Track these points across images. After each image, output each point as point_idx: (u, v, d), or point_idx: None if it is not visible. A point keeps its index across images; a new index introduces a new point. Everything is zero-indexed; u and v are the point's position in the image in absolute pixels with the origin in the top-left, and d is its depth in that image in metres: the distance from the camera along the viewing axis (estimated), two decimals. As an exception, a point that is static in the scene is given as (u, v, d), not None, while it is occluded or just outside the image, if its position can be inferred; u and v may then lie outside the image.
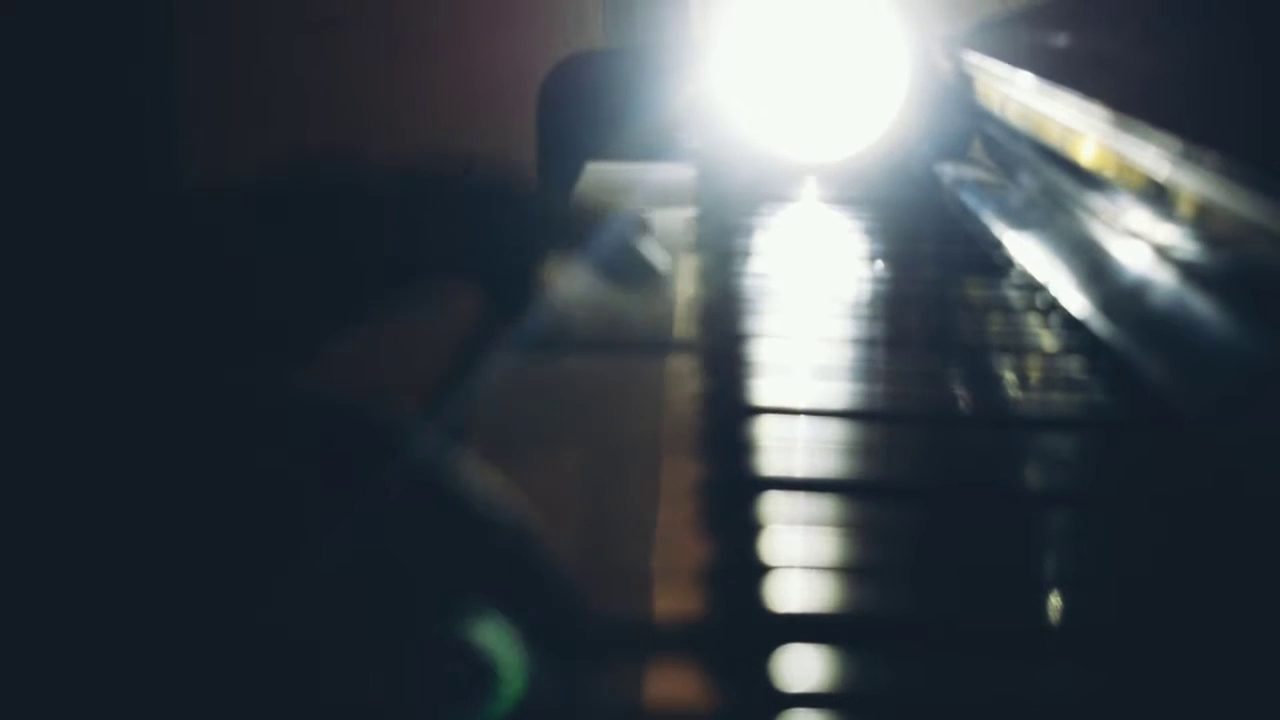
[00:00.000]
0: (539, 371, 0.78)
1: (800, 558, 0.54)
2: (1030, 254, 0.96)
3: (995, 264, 1.00)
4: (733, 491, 0.62)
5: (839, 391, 0.72)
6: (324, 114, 1.95)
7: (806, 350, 0.79)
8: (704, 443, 0.70)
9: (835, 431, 0.67)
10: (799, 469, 0.62)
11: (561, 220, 0.85)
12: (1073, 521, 0.59)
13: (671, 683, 0.49)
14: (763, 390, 0.72)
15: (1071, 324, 0.84)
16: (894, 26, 1.26)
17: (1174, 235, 0.75)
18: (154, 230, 0.84)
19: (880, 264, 1.01)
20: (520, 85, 1.56)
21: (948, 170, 1.26)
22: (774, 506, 0.58)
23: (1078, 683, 0.47)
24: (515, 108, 1.59)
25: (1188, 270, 0.74)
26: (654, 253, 0.89)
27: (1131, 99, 0.78)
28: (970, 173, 1.24)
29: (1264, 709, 0.46)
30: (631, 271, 0.88)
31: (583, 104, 1.49)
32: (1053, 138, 0.94)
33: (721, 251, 1.02)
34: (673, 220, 1.13)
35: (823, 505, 0.59)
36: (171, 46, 1.71)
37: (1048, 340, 0.83)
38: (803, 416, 0.68)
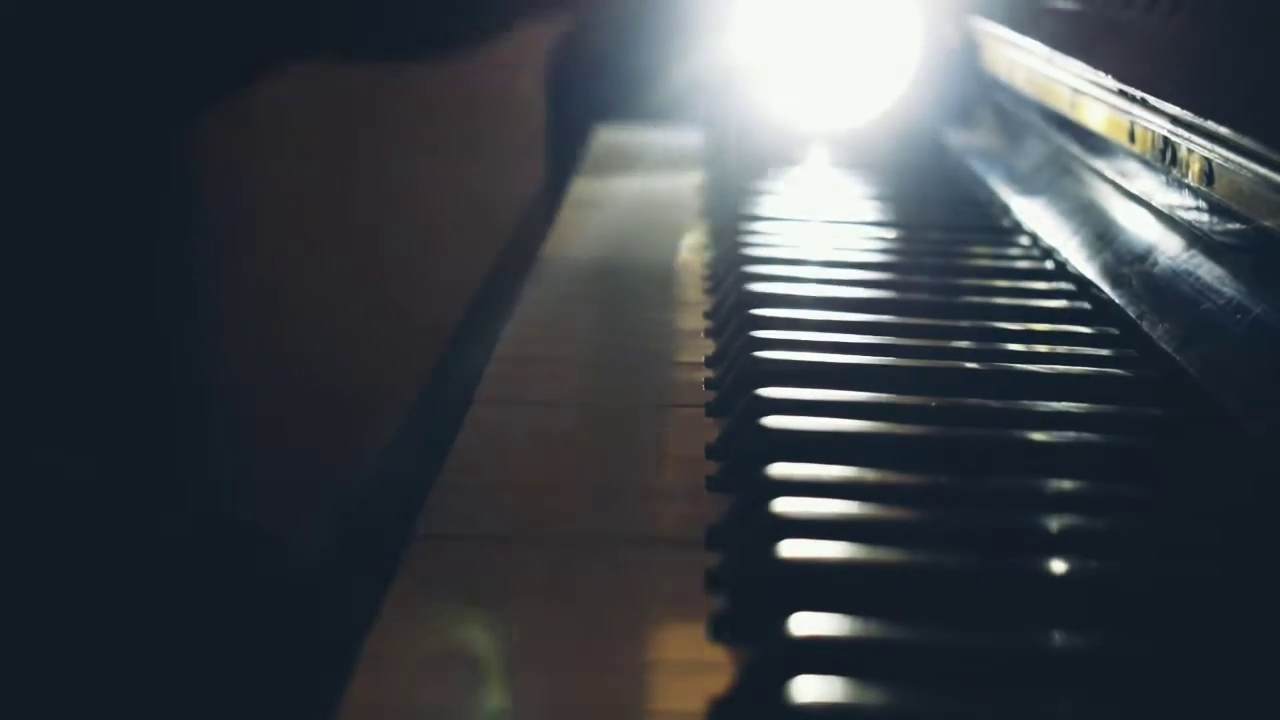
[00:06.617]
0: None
1: (807, 517, 0.55)
2: (1037, 218, 0.97)
3: (1002, 227, 1.01)
4: (740, 451, 0.63)
5: (847, 353, 0.73)
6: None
7: (814, 312, 0.79)
8: (712, 403, 0.71)
9: (843, 393, 0.67)
10: (806, 427, 0.63)
11: None
12: (1077, 482, 0.60)
13: (679, 639, 0.50)
14: (771, 350, 0.72)
15: (1078, 286, 0.84)
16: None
17: (1179, 199, 0.75)
18: None
19: (889, 228, 1.02)
20: (531, 46, 1.56)
21: (955, 136, 1.27)
22: (781, 467, 0.59)
23: (1083, 644, 0.48)
24: (526, 69, 1.59)
25: (1193, 234, 0.74)
26: None
27: (1139, 65, 0.79)
28: (977, 139, 1.24)
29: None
30: None
31: (594, 67, 1.49)
32: (1060, 103, 0.94)
33: (731, 214, 1.02)
34: (683, 183, 1.14)
35: (830, 466, 0.59)
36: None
37: (1054, 302, 0.83)
38: (811, 378, 0.69)
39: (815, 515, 0.55)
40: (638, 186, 1.14)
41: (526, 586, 0.54)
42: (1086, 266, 0.84)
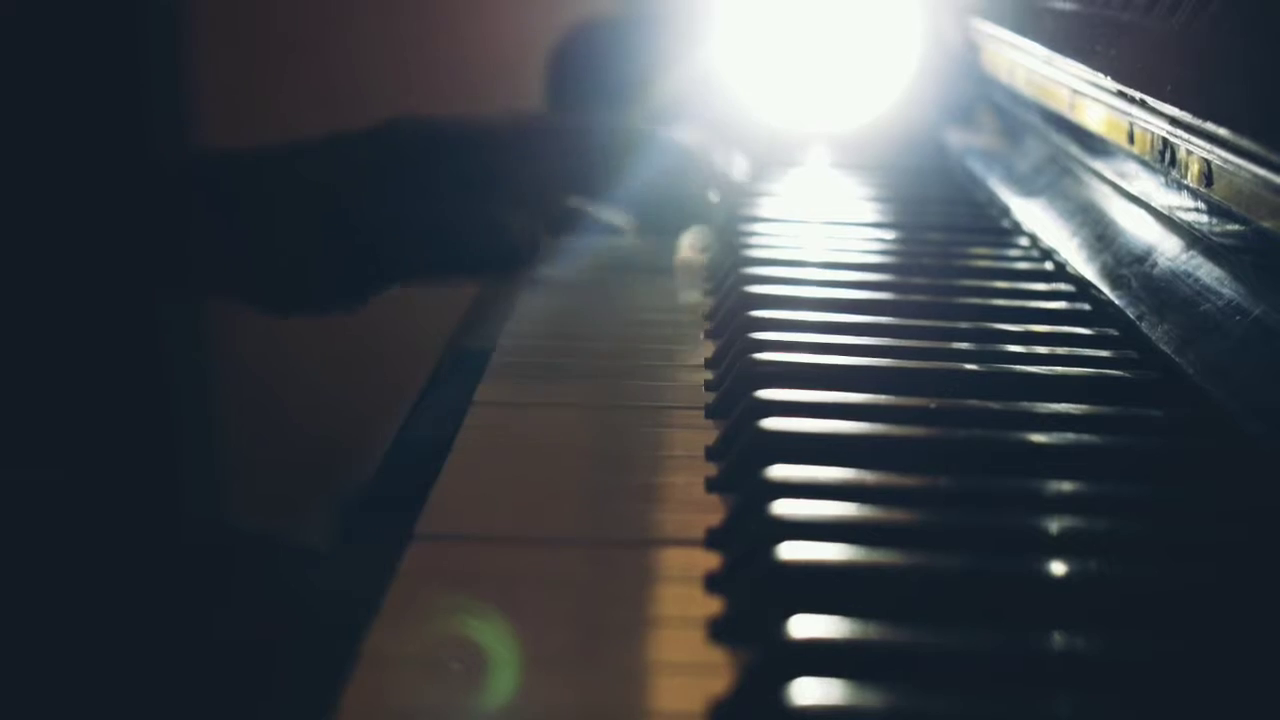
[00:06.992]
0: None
1: (807, 519, 0.55)
2: (1036, 218, 0.97)
3: (1002, 228, 1.01)
4: (740, 453, 0.63)
5: (847, 354, 0.73)
6: (330, 88, 1.96)
7: (814, 313, 0.79)
8: (712, 404, 0.71)
9: (843, 394, 0.67)
10: (806, 429, 0.63)
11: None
12: (1076, 483, 0.60)
13: (679, 640, 0.50)
14: (772, 354, 0.72)
15: (1078, 288, 0.84)
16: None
17: (1179, 200, 0.75)
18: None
19: (888, 229, 1.02)
20: (529, 51, 1.56)
21: (955, 137, 1.27)
22: (781, 469, 0.59)
23: (1082, 645, 0.48)
24: (524, 73, 1.60)
25: (1192, 235, 0.75)
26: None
27: (1138, 66, 0.79)
28: (977, 140, 1.24)
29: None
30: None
31: (592, 70, 1.49)
32: (1059, 104, 0.94)
33: (731, 217, 1.02)
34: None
35: (830, 468, 0.59)
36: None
37: (1053, 303, 0.83)
38: (811, 379, 0.69)
39: (815, 517, 0.55)
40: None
41: (526, 587, 0.54)
42: (1086, 267, 0.85)
